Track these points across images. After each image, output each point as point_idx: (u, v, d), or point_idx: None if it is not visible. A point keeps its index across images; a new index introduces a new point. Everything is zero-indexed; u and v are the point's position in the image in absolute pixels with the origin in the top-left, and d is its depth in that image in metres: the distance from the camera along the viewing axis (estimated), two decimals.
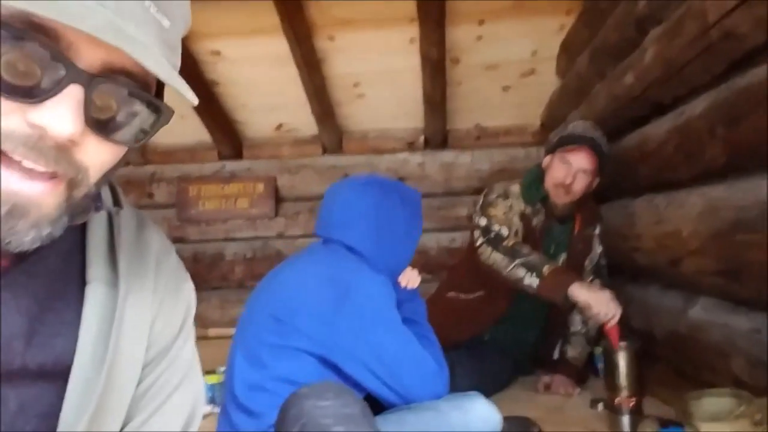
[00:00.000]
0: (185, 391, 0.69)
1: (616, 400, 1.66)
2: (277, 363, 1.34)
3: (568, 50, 2.90)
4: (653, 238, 1.78)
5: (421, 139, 3.60)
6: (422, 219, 1.59)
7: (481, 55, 3.07)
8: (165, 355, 0.67)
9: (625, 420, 1.65)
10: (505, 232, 2.02)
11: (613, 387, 1.68)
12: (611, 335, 1.70)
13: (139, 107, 0.54)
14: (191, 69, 3.09)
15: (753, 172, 1.32)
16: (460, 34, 2.92)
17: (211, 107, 3.35)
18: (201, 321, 3.56)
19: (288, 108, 3.45)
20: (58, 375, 0.57)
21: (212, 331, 3.47)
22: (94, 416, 0.57)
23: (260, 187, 3.58)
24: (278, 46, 2.91)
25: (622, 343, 1.68)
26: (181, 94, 0.52)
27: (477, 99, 3.37)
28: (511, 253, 1.94)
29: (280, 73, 3.16)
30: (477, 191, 3.51)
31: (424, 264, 3.46)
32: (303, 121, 3.50)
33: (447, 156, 3.58)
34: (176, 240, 3.63)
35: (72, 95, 0.48)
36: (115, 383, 0.60)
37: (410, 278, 1.60)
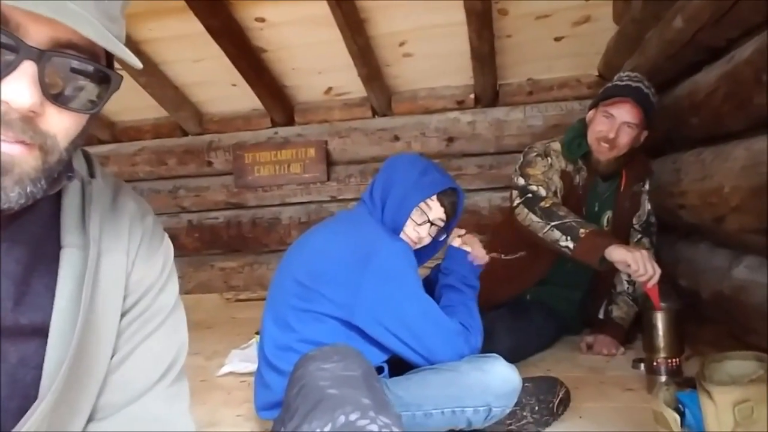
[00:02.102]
0: (164, 338, 0.74)
1: (654, 361, 1.62)
2: (304, 326, 1.40)
3: None
4: (698, 195, 1.67)
5: (472, 96, 3.51)
6: (427, 191, 1.54)
7: (531, 4, 2.92)
8: (140, 301, 0.72)
9: (662, 381, 1.60)
10: (542, 192, 1.96)
11: (651, 348, 1.64)
12: (651, 295, 1.64)
13: (89, 76, 0.59)
14: (238, 37, 3.14)
15: None
16: None
17: (261, 74, 3.41)
18: (261, 283, 3.72)
19: (336, 71, 3.45)
20: (47, 332, 0.63)
21: None
22: (74, 365, 0.63)
23: (311, 152, 3.64)
24: (320, 7, 2.90)
25: (661, 304, 1.62)
26: (124, 59, 0.57)
27: (528, 52, 3.23)
28: (547, 215, 1.88)
29: (324, 36, 3.15)
30: None
31: (477, 223, 3.43)
32: (352, 83, 3.50)
33: (498, 113, 3.48)
34: (236, 206, 3.79)
35: (26, 71, 0.54)
36: (93, 336, 0.66)
37: (476, 255, 1.60)
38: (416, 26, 3.11)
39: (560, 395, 1.47)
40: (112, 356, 0.70)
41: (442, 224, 1.57)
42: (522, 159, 2.08)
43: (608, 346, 2.03)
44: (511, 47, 3.19)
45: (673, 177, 1.92)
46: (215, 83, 3.53)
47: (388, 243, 1.41)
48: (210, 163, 3.79)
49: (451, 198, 1.55)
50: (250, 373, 2.11)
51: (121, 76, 0.62)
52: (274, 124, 3.75)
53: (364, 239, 1.42)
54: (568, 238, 1.80)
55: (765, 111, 1.31)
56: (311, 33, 3.19)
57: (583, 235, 1.78)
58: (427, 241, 1.57)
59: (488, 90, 3.43)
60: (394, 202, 1.49)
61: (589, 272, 2.16)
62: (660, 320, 1.60)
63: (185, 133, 3.83)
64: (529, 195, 1.96)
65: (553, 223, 1.85)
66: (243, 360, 2.20)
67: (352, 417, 0.84)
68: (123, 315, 0.70)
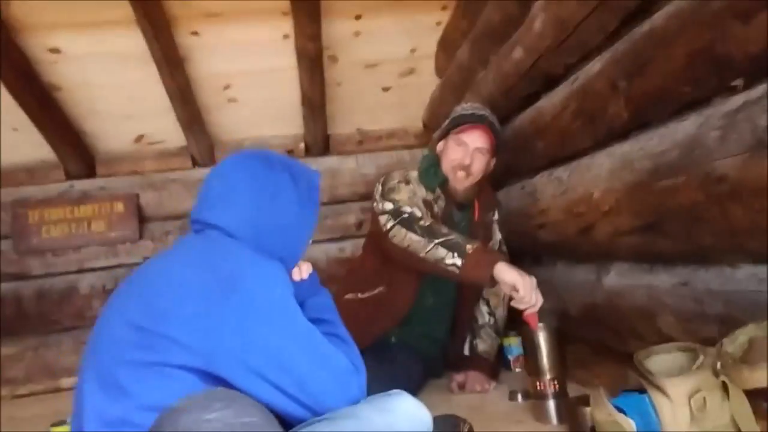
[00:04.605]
0: None
1: (540, 385, 1.53)
2: (145, 387, 1.01)
3: (445, 47, 2.86)
4: (560, 209, 1.70)
5: (302, 145, 3.38)
6: (319, 202, 1.36)
7: (360, 52, 2.94)
8: None
9: (551, 404, 1.52)
10: (417, 212, 1.83)
11: (535, 371, 1.55)
12: (530, 321, 1.58)
13: None
14: (24, 70, 2.63)
15: (661, 120, 1.27)
16: (337, 30, 2.76)
17: (53, 117, 2.87)
18: (51, 371, 2.99)
19: (149, 116, 3.07)
20: None
21: (66, 382, 2.92)
22: None
23: (119, 206, 3.12)
24: (132, 41, 2.57)
25: (541, 324, 1.56)
26: None
27: (357, 101, 3.23)
28: (430, 233, 1.74)
29: (136, 75, 2.79)
30: (363, 197, 3.37)
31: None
32: (168, 130, 3.14)
33: (330, 162, 3.39)
34: (15, 277, 3.05)
35: None
36: None
37: (302, 269, 1.35)
38: (242, 69, 2.93)
39: None
40: None
41: None
42: (382, 187, 1.95)
43: (480, 382, 1.94)
44: (340, 96, 3.16)
45: (528, 200, 1.96)
46: None
47: (256, 262, 1.12)
48: None
49: None
50: None
51: None
52: (69, 177, 3.17)
53: (223, 260, 1.10)
54: (455, 254, 1.66)
55: (622, 118, 1.37)
56: (118, 70, 2.80)
57: (470, 251, 1.66)
58: None
59: (319, 139, 3.34)
60: (281, 232, 1.22)
61: (450, 308, 2.09)
62: (543, 340, 1.54)
63: None
64: (405, 215, 1.82)
65: (437, 241, 1.71)
66: None
67: None
68: None
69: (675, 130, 1.19)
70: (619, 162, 1.38)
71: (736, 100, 1.03)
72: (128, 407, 1.01)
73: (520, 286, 1.56)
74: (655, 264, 1.35)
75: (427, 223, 1.78)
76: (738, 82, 1.02)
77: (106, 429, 1.01)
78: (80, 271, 3.10)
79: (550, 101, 1.77)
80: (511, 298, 1.64)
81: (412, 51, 3.01)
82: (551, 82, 1.83)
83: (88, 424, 1.02)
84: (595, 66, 1.49)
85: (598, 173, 1.47)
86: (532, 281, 1.58)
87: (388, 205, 1.87)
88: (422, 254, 1.73)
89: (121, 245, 3.12)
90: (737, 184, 1.00)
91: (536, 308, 1.58)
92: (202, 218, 1.23)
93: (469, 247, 1.67)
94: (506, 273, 1.59)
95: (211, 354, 1.03)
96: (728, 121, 1.03)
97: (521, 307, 1.59)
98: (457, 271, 1.67)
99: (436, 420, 1.26)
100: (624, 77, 1.33)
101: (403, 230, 1.78)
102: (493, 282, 1.64)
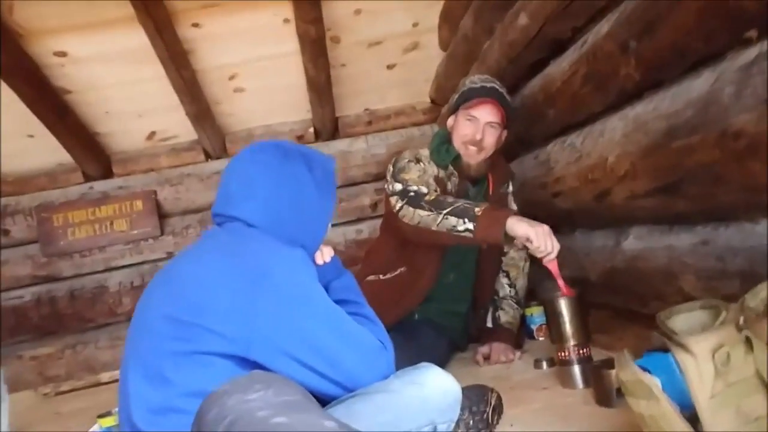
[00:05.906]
0: None
1: (563, 352, 1.55)
2: (186, 375, 1.07)
3: (448, 18, 2.83)
4: (575, 176, 1.69)
5: (311, 130, 3.39)
6: (336, 187, 1.40)
7: (362, 31, 2.92)
8: None
9: (576, 370, 1.54)
10: (424, 190, 1.85)
11: (559, 337, 1.56)
12: (552, 269, 1.58)
13: None
14: (34, 75, 2.66)
15: (674, 79, 1.25)
16: (337, 10, 2.74)
17: (66, 120, 2.92)
18: (90, 366, 3.10)
19: (159, 112, 3.10)
20: None
21: (105, 375, 3.02)
22: None
23: (139, 204, 3.18)
24: (135, 38, 2.58)
25: (558, 293, 1.57)
26: None
27: (363, 81, 3.23)
28: (437, 205, 1.76)
29: (142, 72, 2.81)
30: (377, 177, 3.39)
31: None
32: (178, 125, 3.17)
33: (340, 145, 3.40)
34: (47, 279, 3.15)
35: None
36: None
37: (323, 252, 1.39)
38: (245, 58, 2.93)
39: (492, 402, 1.32)
40: None
41: None
42: (393, 168, 1.97)
43: (505, 353, 1.96)
44: (346, 77, 3.15)
45: (542, 169, 1.96)
46: (6, 135, 2.92)
47: (281, 252, 1.16)
48: (6, 232, 3.11)
49: None
50: None
51: None
52: (88, 179, 3.23)
53: (250, 252, 1.14)
54: (466, 220, 1.68)
55: (633, 79, 1.36)
56: (124, 69, 2.82)
57: (480, 213, 1.67)
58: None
59: (327, 122, 3.35)
60: (301, 220, 1.26)
61: (471, 282, 2.11)
62: (565, 307, 1.54)
63: None
64: (412, 194, 1.84)
65: (445, 211, 1.72)
66: None
67: None
68: None
69: (688, 89, 1.17)
70: (633, 125, 1.37)
71: (750, 54, 1.01)
72: (172, 394, 1.06)
73: (533, 237, 1.57)
74: (674, 225, 1.34)
75: (433, 197, 1.80)
76: (752, 33, 1.00)
77: (151, 416, 1.06)
78: (108, 269, 3.19)
79: (559, 66, 1.76)
80: (530, 259, 1.61)
81: (415, 25, 2.98)
82: (559, 47, 1.81)
83: (135, 412, 1.08)
84: (603, 27, 1.46)
85: (612, 137, 1.46)
86: (544, 229, 1.59)
87: (398, 186, 1.90)
88: (434, 227, 1.75)
89: (144, 242, 3.19)
90: (754, 139, 0.98)
91: (554, 255, 1.59)
92: (224, 212, 1.27)
93: (477, 209, 1.68)
94: (517, 227, 1.60)
95: (245, 341, 1.08)
96: (742, 75, 1.01)
97: (538, 256, 1.60)
98: (471, 235, 1.68)
99: (466, 390, 1.30)
100: (634, 37, 1.31)
101: (411, 209, 1.81)
102: (509, 239, 1.65)
